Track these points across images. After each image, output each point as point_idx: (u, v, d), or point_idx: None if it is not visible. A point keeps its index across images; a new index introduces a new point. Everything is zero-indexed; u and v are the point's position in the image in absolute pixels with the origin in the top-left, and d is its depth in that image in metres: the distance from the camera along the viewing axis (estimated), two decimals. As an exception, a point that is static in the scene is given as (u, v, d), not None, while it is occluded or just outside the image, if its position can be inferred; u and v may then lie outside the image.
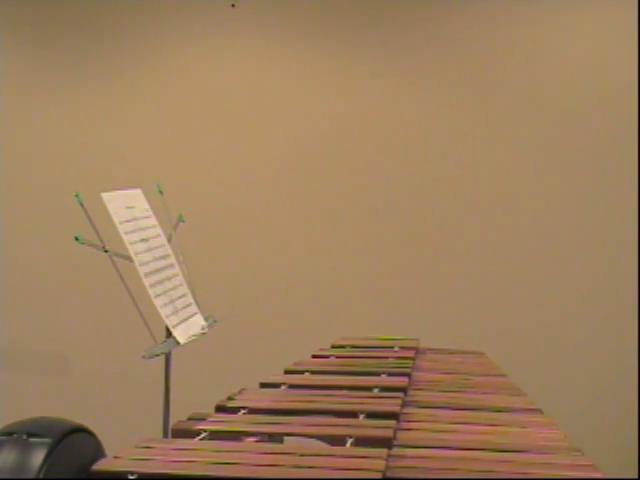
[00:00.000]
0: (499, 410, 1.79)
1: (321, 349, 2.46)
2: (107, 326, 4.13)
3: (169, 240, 2.79)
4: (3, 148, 4.31)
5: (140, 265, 2.47)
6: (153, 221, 2.72)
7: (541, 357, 3.90)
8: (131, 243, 2.49)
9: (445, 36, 4.04)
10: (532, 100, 3.96)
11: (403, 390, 1.89)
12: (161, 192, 2.90)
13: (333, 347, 2.52)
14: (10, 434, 1.53)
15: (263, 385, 1.97)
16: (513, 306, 3.94)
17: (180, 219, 2.98)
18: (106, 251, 2.56)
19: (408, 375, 2.06)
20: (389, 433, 1.50)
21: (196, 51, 4.23)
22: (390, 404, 1.74)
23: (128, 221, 2.55)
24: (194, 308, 2.70)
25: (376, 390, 1.90)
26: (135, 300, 2.47)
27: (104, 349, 4.14)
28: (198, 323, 2.67)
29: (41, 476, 1.46)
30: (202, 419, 1.63)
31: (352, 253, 4.01)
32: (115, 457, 1.37)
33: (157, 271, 2.56)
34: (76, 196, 2.53)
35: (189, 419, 1.66)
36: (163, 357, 2.74)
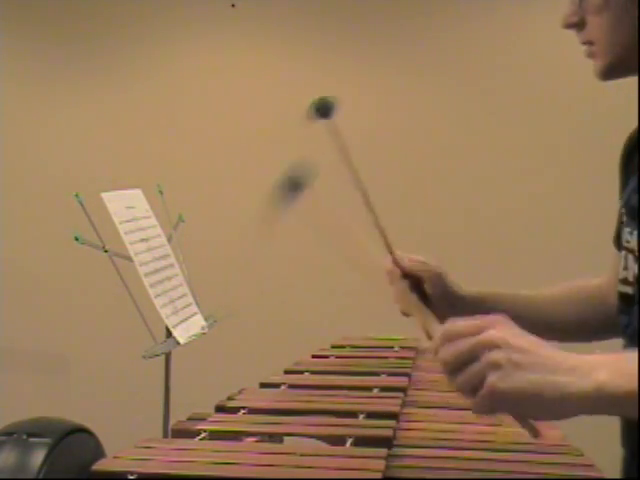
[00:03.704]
0: (499, 410, 1.78)
1: (321, 349, 2.45)
2: (107, 326, 4.13)
3: (169, 240, 2.80)
4: (2, 148, 4.31)
5: (140, 265, 2.48)
6: (153, 221, 2.72)
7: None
8: (131, 243, 2.50)
9: (447, 33, 4.04)
10: (532, 96, 3.96)
11: (403, 390, 1.88)
12: (161, 192, 2.91)
13: (333, 347, 2.51)
14: (10, 434, 1.53)
15: (263, 385, 1.96)
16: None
17: (180, 219, 2.99)
18: (106, 251, 2.56)
19: (408, 375, 2.06)
20: (389, 433, 1.50)
21: (196, 51, 4.23)
22: (390, 404, 1.73)
23: (128, 221, 2.55)
24: (194, 308, 2.71)
25: (376, 390, 1.90)
26: (135, 300, 2.48)
27: (104, 349, 4.14)
28: (198, 323, 2.67)
29: (41, 476, 1.46)
30: (202, 419, 1.63)
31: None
32: (115, 457, 1.36)
33: (157, 271, 2.56)
34: (76, 196, 2.53)
35: (189, 419, 1.66)
36: (163, 357, 2.74)
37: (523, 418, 0.94)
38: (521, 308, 1.40)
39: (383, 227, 1.18)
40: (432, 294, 1.23)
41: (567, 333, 1.46)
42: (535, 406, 0.89)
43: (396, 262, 1.30)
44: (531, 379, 0.87)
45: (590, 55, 1.17)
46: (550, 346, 0.91)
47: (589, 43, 1.16)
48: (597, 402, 0.88)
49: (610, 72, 1.17)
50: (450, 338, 0.92)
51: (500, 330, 0.89)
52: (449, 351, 0.90)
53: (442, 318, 1.04)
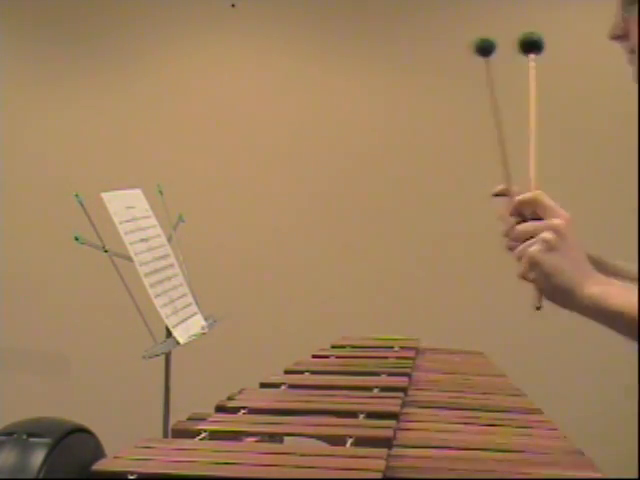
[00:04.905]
0: (499, 410, 1.79)
1: (321, 349, 2.45)
2: (107, 326, 4.13)
3: (169, 240, 2.79)
4: (2, 148, 4.31)
5: (140, 265, 2.47)
6: (153, 221, 2.72)
7: (541, 357, 3.89)
8: (131, 243, 2.50)
9: (448, 32, 4.04)
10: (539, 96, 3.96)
11: (403, 390, 1.88)
12: (161, 192, 2.91)
13: (333, 347, 2.51)
14: (10, 434, 1.53)
15: (263, 385, 1.96)
16: (513, 306, 3.93)
17: (180, 219, 2.99)
18: (106, 251, 2.56)
19: (408, 375, 2.06)
20: (389, 433, 1.50)
21: (196, 51, 4.23)
22: (390, 404, 1.73)
23: (128, 221, 2.55)
24: (194, 308, 2.71)
25: (376, 390, 1.90)
26: (135, 300, 2.48)
27: (104, 349, 4.14)
28: (198, 323, 2.67)
29: (41, 476, 1.45)
30: (202, 419, 1.63)
31: (353, 253, 4.01)
32: (115, 457, 1.36)
33: (157, 271, 2.56)
34: (76, 196, 2.53)
35: (189, 419, 1.66)
36: (163, 357, 2.74)
37: (540, 291, 1.18)
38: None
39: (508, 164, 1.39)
40: None
41: None
42: (552, 288, 1.15)
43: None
44: (558, 267, 1.13)
45: (631, 62, 1.27)
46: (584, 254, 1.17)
47: (632, 52, 1.26)
48: (590, 308, 1.12)
49: None
50: (522, 210, 1.20)
51: (563, 222, 1.15)
52: (519, 227, 1.18)
53: None
